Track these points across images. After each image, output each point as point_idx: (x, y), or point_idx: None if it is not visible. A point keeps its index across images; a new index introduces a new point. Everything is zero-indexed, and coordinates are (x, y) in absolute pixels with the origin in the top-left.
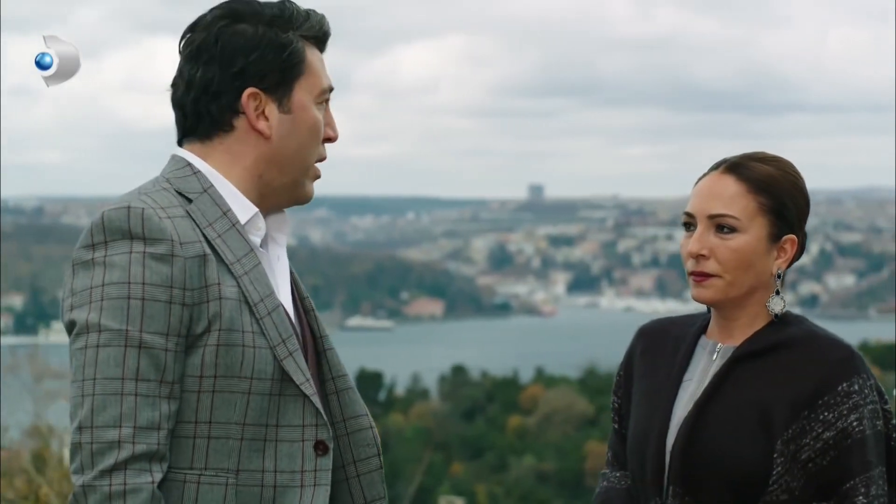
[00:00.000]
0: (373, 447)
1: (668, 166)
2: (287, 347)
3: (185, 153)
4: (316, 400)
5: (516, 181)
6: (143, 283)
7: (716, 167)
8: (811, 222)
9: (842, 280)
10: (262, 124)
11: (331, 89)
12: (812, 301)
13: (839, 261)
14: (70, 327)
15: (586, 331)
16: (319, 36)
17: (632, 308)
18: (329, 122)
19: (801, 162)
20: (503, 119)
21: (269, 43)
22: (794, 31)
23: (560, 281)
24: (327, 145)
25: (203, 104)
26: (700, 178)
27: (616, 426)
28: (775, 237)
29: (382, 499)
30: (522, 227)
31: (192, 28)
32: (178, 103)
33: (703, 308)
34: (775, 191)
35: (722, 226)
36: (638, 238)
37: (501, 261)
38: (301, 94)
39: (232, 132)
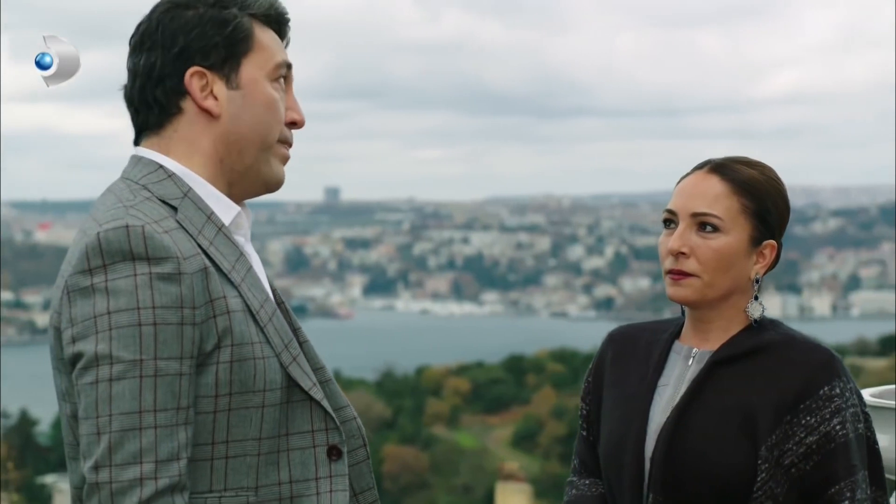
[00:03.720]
0: (358, 438)
1: (462, 169)
2: (290, 352)
3: (149, 153)
4: (325, 404)
5: (312, 184)
6: (153, 308)
7: (700, 167)
8: (606, 226)
9: (637, 283)
10: (209, 102)
11: (288, 65)
12: (607, 304)
13: (634, 264)
14: (74, 360)
15: (383, 333)
16: (271, 15)
17: (428, 310)
18: (292, 106)
19: (595, 166)
20: None
21: (211, 20)
22: (581, 36)
23: (356, 283)
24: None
25: (149, 91)
26: (683, 177)
27: (584, 433)
28: (756, 241)
29: (372, 489)
30: (318, 229)
31: (139, 24)
32: (128, 99)
33: (672, 313)
34: (759, 194)
35: (705, 224)
36: (434, 241)
37: (297, 263)
38: (250, 69)
39: (181, 115)
